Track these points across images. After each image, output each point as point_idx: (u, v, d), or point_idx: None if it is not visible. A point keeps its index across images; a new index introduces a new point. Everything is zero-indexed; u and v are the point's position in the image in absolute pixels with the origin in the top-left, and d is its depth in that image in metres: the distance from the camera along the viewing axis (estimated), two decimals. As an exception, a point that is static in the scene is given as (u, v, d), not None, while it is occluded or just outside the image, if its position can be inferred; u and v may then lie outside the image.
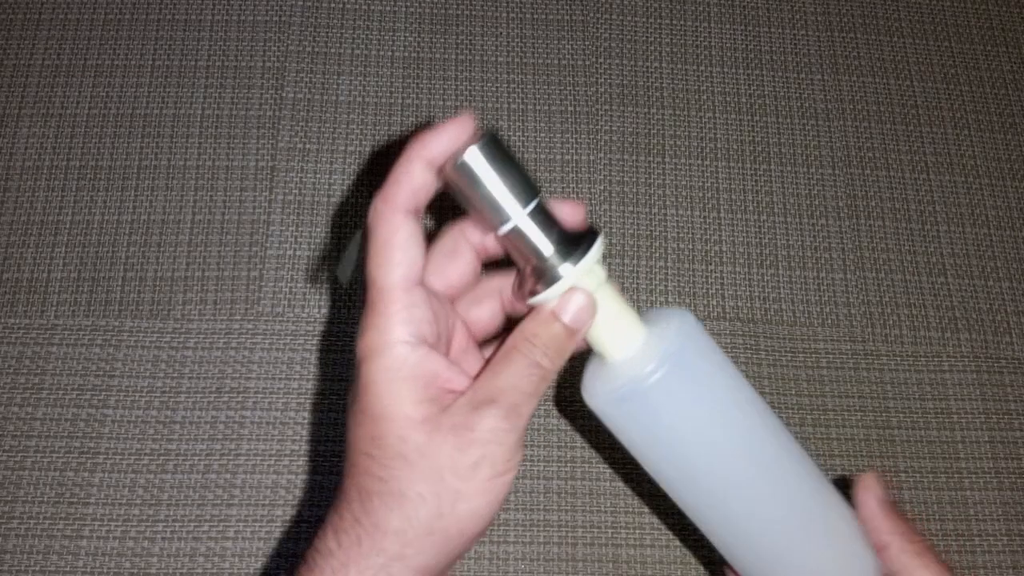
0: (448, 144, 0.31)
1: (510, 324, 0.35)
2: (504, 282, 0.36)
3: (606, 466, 0.54)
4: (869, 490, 0.39)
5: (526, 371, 0.31)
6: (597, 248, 0.32)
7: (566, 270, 0.32)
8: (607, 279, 0.33)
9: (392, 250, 0.31)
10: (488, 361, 0.34)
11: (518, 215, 0.31)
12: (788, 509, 0.37)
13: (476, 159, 0.30)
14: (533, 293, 0.32)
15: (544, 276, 0.32)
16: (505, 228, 0.32)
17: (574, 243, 0.32)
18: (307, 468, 0.53)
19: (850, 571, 0.38)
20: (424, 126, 0.32)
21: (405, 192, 0.31)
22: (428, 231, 0.33)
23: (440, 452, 0.30)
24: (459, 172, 0.31)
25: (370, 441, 0.30)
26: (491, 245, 0.34)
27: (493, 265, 0.36)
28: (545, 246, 0.32)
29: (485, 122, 0.61)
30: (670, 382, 0.33)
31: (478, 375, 0.32)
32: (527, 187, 0.32)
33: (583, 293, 0.32)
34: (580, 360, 0.36)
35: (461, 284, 0.34)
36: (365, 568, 0.29)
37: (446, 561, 0.31)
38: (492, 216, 0.31)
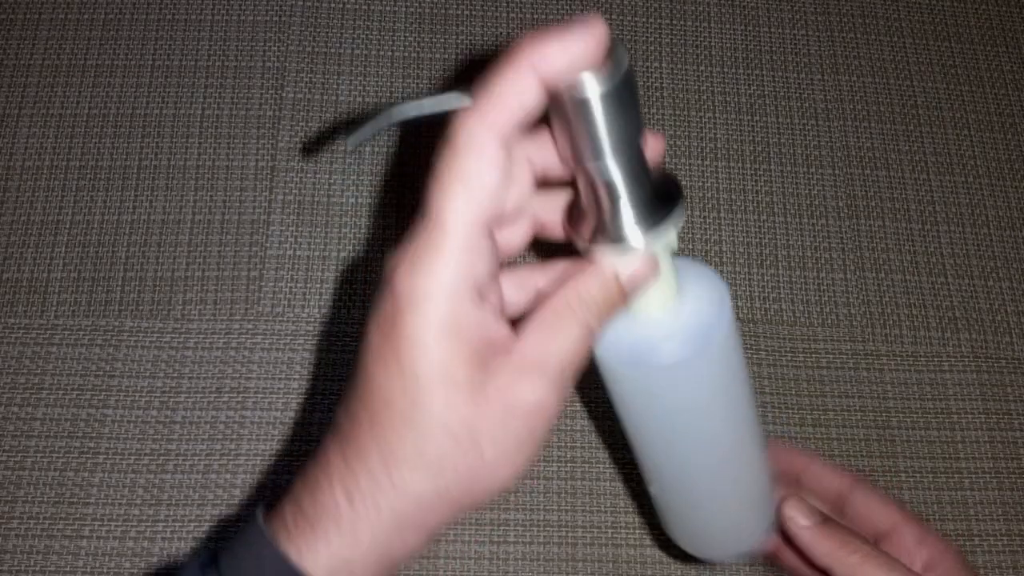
0: (572, 59, 0.24)
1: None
2: (540, 204, 0.31)
3: (606, 466, 0.54)
4: (793, 521, 0.38)
5: (578, 334, 0.28)
6: (677, 219, 0.28)
7: (643, 238, 0.28)
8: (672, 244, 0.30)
9: (475, 186, 0.25)
10: (531, 315, 0.30)
11: (614, 162, 0.27)
12: (736, 477, 0.38)
13: (602, 94, 0.25)
14: (594, 240, 0.29)
15: (614, 233, 0.28)
16: (594, 168, 0.27)
17: (657, 207, 0.28)
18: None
19: (759, 523, 0.40)
20: (534, 28, 0.26)
21: (508, 112, 0.25)
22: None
23: (486, 426, 0.27)
24: (576, 100, 0.25)
25: (407, 402, 0.27)
26: (556, 171, 0.29)
27: None
28: (627, 200, 0.28)
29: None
30: (687, 365, 0.32)
31: (522, 327, 0.29)
32: (637, 135, 0.27)
33: (650, 258, 0.29)
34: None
35: (510, 211, 0.29)
36: (379, 532, 0.28)
37: (454, 520, 0.30)
38: (586, 153, 0.27)
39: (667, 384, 0.33)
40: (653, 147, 0.29)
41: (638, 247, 0.28)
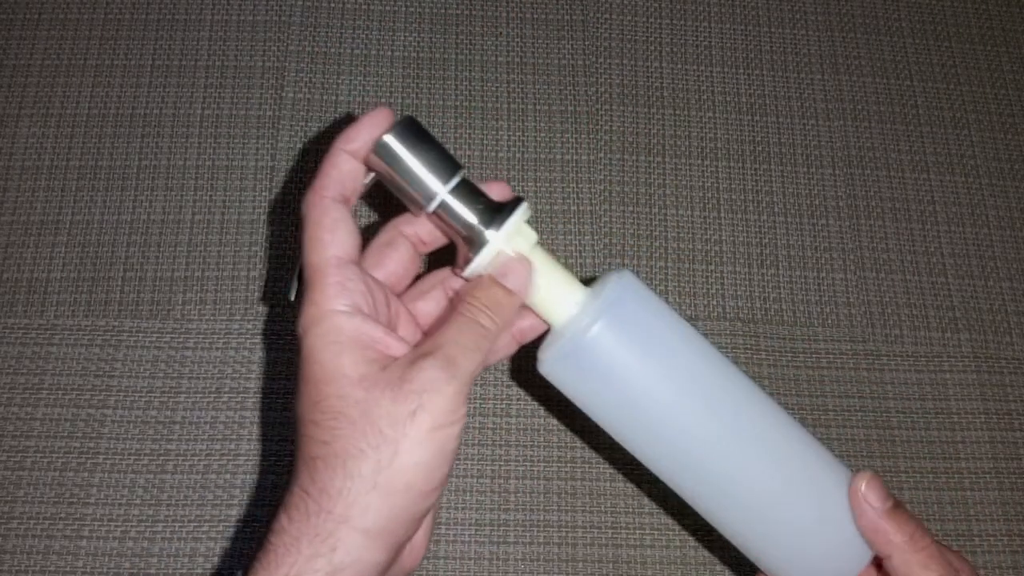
0: (369, 134, 0.33)
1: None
2: (447, 274, 0.37)
3: (606, 466, 0.54)
4: (863, 498, 0.35)
5: (466, 327, 0.32)
6: (521, 212, 0.34)
7: (492, 235, 0.33)
8: (538, 243, 0.35)
9: (322, 232, 0.32)
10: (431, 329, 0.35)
11: (441, 191, 0.33)
12: (760, 465, 0.35)
13: (393, 142, 0.33)
14: (467, 263, 0.34)
15: (474, 245, 0.33)
16: (432, 205, 0.33)
17: (498, 210, 0.34)
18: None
19: (840, 547, 0.36)
20: (348, 121, 0.34)
21: (332, 181, 0.33)
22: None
23: (378, 405, 0.30)
24: (379, 156, 0.33)
25: (313, 407, 0.31)
26: (425, 235, 0.36)
27: (438, 264, 0.38)
28: (470, 216, 0.34)
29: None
30: (608, 332, 0.34)
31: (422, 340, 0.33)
32: (447, 164, 0.33)
33: (517, 256, 0.34)
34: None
35: (400, 273, 0.36)
36: (314, 537, 0.29)
37: (398, 524, 0.30)
38: (418, 195, 0.33)
39: (607, 362, 0.34)
40: (498, 191, 0.35)
41: (492, 247, 0.33)
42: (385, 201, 0.40)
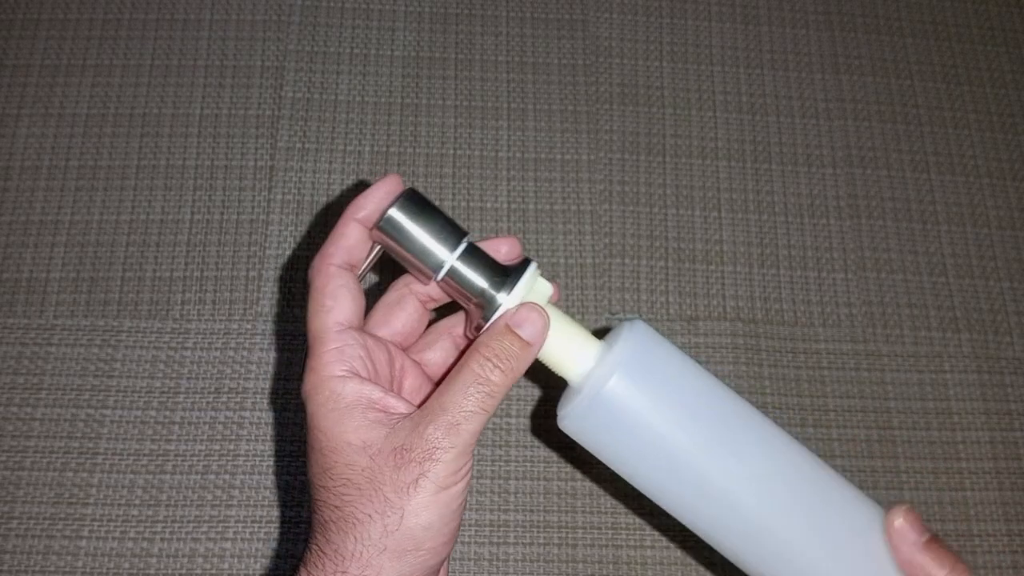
0: (378, 204, 0.34)
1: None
2: (453, 322, 0.38)
3: (606, 467, 0.54)
4: (900, 532, 0.35)
5: (472, 388, 0.32)
6: (530, 273, 0.34)
7: (503, 298, 0.33)
8: (549, 302, 0.35)
9: (324, 299, 0.33)
10: (444, 376, 0.36)
11: (449, 259, 0.33)
12: (792, 508, 0.35)
13: (397, 216, 0.33)
14: (479, 328, 0.34)
15: (485, 309, 0.33)
16: (440, 274, 0.34)
17: (508, 273, 0.34)
18: (306, 468, 0.53)
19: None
20: (360, 189, 0.34)
21: (339, 249, 0.34)
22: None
23: (382, 473, 0.31)
24: (384, 232, 0.33)
25: (323, 473, 0.32)
26: (435, 293, 0.37)
27: (447, 311, 0.38)
28: (480, 281, 0.34)
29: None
30: (626, 384, 0.33)
31: (431, 393, 0.34)
32: (452, 232, 0.34)
33: (536, 306, 0.33)
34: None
35: (407, 331, 0.37)
36: None
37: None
38: (426, 266, 0.34)
39: (626, 415, 0.34)
40: (509, 248, 0.36)
41: (504, 306, 0.33)
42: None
